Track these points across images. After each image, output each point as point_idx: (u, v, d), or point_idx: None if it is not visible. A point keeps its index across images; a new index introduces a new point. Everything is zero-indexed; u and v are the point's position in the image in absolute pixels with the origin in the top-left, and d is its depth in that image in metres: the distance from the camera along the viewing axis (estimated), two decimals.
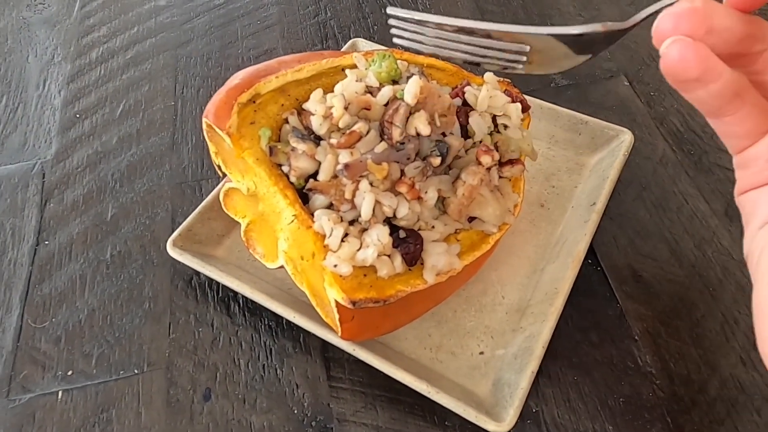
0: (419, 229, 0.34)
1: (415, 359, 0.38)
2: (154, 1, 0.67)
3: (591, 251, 0.43)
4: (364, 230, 0.32)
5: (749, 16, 0.21)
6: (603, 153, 0.47)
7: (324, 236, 0.32)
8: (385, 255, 0.32)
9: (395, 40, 0.33)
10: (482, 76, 0.39)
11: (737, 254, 0.43)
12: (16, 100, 0.58)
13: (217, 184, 0.46)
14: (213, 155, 0.38)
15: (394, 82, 0.36)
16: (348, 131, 0.33)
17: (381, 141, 0.33)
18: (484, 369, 0.38)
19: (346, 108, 0.34)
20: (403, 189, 0.33)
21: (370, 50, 0.41)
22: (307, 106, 0.36)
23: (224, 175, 0.38)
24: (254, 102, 0.35)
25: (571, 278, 0.39)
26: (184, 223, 0.43)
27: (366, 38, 0.55)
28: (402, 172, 0.34)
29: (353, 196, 0.32)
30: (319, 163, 0.33)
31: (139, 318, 0.42)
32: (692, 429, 0.36)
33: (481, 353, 0.38)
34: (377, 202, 0.32)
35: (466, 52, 0.31)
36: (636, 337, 0.39)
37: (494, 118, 0.37)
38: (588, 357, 0.39)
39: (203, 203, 0.44)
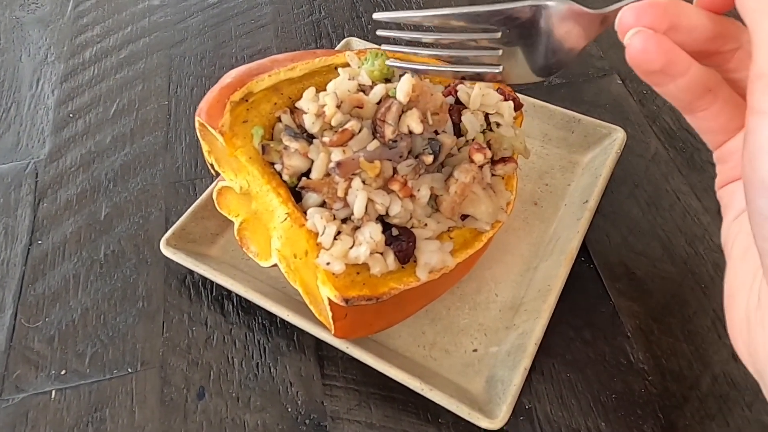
0: (412, 227, 0.34)
1: (409, 357, 0.38)
2: (147, 1, 0.67)
3: (584, 249, 0.43)
4: (357, 228, 0.32)
5: (720, 16, 0.22)
6: (596, 151, 0.47)
7: (317, 234, 0.32)
8: (377, 253, 0.32)
9: (388, 63, 0.34)
10: None
11: None
12: (9, 99, 0.58)
13: (210, 184, 0.46)
14: (206, 154, 0.37)
15: (387, 80, 0.36)
16: (340, 129, 0.33)
17: (373, 139, 0.34)
18: (477, 366, 0.38)
19: (338, 106, 0.34)
20: (395, 187, 0.33)
21: (363, 49, 0.41)
22: (299, 104, 0.36)
23: (217, 173, 0.38)
24: (247, 101, 0.36)
25: (564, 276, 0.39)
26: (178, 222, 0.43)
27: (360, 37, 0.55)
28: (394, 170, 0.34)
29: (346, 194, 0.33)
30: (312, 162, 0.33)
31: (132, 317, 0.42)
32: (684, 425, 0.36)
33: (475, 350, 0.39)
34: (370, 200, 0.32)
35: (452, 68, 0.31)
36: (628, 334, 0.40)
37: (487, 116, 0.38)
38: (581, 354, 0.39)
39: (197, 202, 0.44)
